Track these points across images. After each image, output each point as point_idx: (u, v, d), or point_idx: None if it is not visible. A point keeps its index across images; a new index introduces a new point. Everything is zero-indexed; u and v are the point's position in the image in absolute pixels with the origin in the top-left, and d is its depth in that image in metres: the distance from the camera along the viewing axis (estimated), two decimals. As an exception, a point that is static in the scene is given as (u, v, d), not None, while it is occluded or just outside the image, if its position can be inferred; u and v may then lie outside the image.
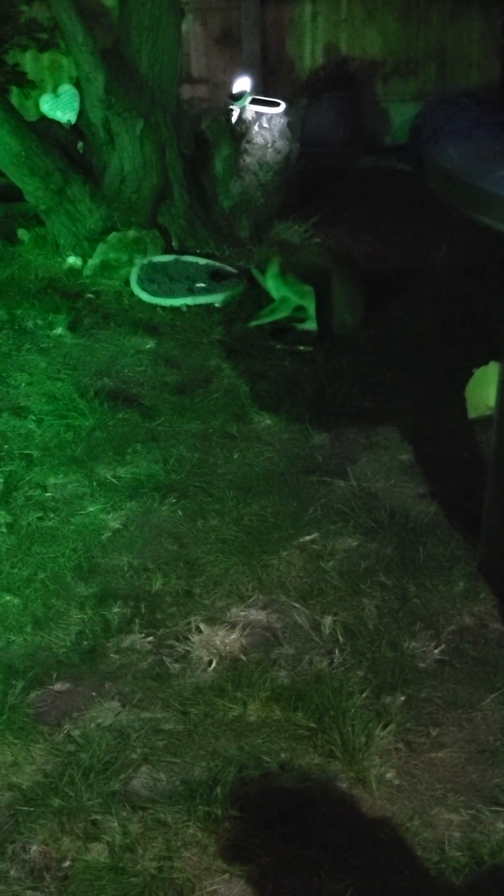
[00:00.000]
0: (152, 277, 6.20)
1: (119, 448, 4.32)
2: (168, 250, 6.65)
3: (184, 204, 6.90)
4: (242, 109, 7.03)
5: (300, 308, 5.61)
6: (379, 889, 2.34)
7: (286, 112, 7.18)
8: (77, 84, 6.91)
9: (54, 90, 8.23)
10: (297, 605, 3.31)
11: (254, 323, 5.66)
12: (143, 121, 6.59)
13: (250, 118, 7.02)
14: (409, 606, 3.29)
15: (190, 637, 3.17)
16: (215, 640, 3.15)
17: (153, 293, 6.08)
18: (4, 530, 3.77)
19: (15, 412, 4.67)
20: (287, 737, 2.77)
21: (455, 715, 2.84)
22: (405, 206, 7.80)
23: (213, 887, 2.35)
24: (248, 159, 7.00)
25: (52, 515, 3.87)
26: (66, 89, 7.48)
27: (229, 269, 6.36)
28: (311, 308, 5.53)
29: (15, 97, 8.22)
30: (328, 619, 3.22)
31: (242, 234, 6.98)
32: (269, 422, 4.55)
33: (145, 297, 6.08)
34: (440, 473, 4.07)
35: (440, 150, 8.16)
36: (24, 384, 5.00)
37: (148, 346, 5.46)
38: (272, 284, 5.66)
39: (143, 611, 3.30)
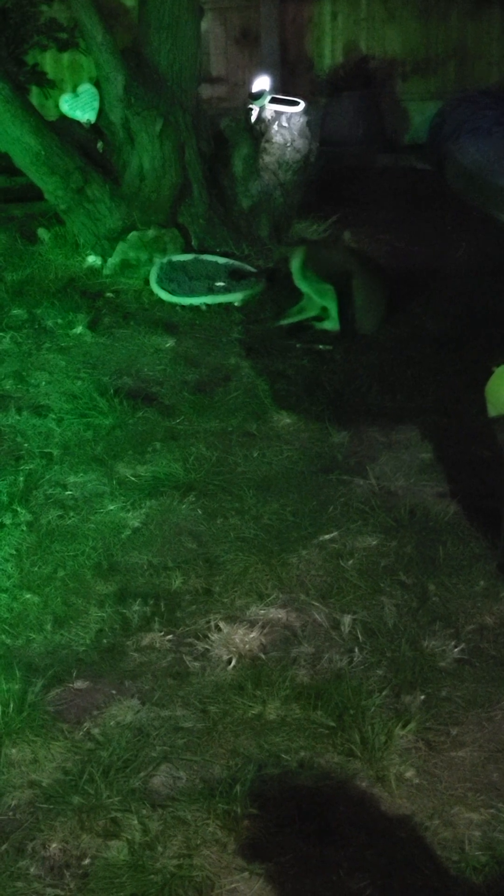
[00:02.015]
0: (172, 276, 6.21)
1: (139, 447, 4.33)
2: (187, 249, 6.65)
3: (203, 203, 6.90)
4: (262, 108, 7.02)
5: (322, 307, 5.60)
6: (398, 888, 2.33)
7: (305, 111, 7.16)
8: (97, 83, 6.92)
9: (74, 90, 8.24)
10: (316, 603, 3.31)
11: (283, 322, 5.66)
12: (162, 120, 6.60)
13: (270, 117, 7.00)
14: (429, 605, 3.28)
15: (209, 635, 3.17)
16: (235, 639, 3.15)
17: (173, 292, 6.08)
18: (25, 528, 3.78)
19: (35, 411, 4.68)
20: (307, 735, 2.77)
21: (475, 714, 2.83)
22: (425, 204, 7.78)
23: (233, 885, 2.35)
24: (267, 158, 6.99)
25: (72, 514, 3.88)
26: (86, 89, 7.49)
27: (249, 268, 6.35)
28: (332, 307, 5.52)
29: (35, 97, 8.23)
30: (348, 618, 3.22)
31: (262, 233, 6.97)
32: (288, 420, 4.55)
33: (165, 296, 6.08)
34: (460, 472, 4.06)
35: (461, 149, 8.14)
36: (44, 383, 5.02)
37: (167, 345, 5.47)
38: (297, 281, 5.65)
39: (162, 609, 3.30)
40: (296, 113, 7.08)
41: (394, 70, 9.85)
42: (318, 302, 5.58)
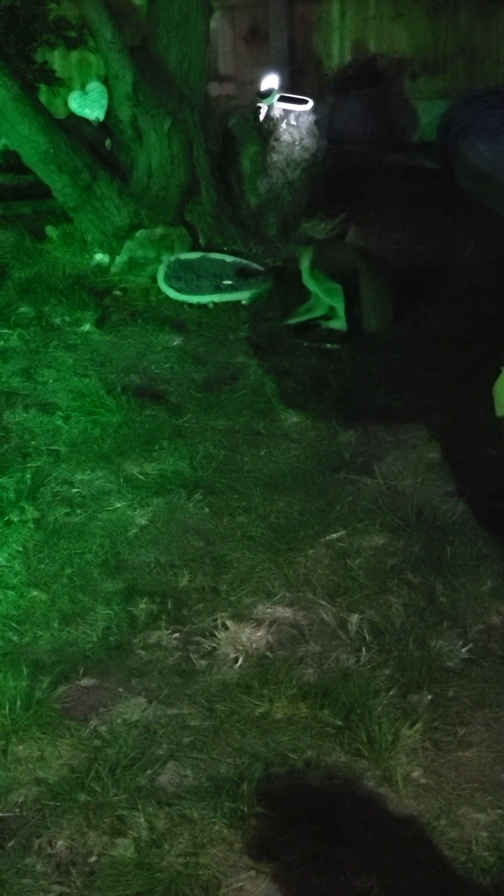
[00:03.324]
0: (179, 275, 6.21)
1: (146, 444, 4.33)
2: (195, 248, 6.64)
3: (211, 201, 6.90)
4: (270, 107, 7.01)
5: (330, 307, 5.59)
6: (405, 888, 2.33)
7: (314, 109, 7.15)
8: (105, 82, 6.93)
9: (83, 88, 8.27)
10: (323, 602, 3.30)
11: (291, 321, 5.65)
12: (170, 118, 6.60)
13: (278, 116, 7.00)
14: (436, 605, 3.28)
15: (216, 634, 3.17)
16: (242, 637, 3.15)
17: (180, 290, 6.08)
18: (32, 526, 3.78)
19: (42, 408, 4.68)
20: (313, 734, 2.77)
21: (482, 714, 2.83)
22: (433, 203, 7.76)
23: (239, 884, 2.35)
24: (275, 157, 6.99)
25: (79, 511, 3.88)
26: (95, 87, 7.51)
27: (256, 266, 6.35)
28: (339, 307, 5.51)
29: (43, 95, 8.22)
30: (355, 617, 3.22)
31: (269, 231, 6.97)
32: (295, 419, 4.54)
33: (172, 294, 6.08)
34: (467, 472, 4.05)
35: (469, 147, 8.11)
36: (51, 380, 5.02)
37: (175, 343, 5.47)
38: (306, 279, 5.64)
39: (169, 607, 3.30)
40: (304, 111, 7.07)
41: (402, 69, 9.83)
42: (325, 301, 5.58)
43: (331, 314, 5.58)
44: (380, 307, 5.52)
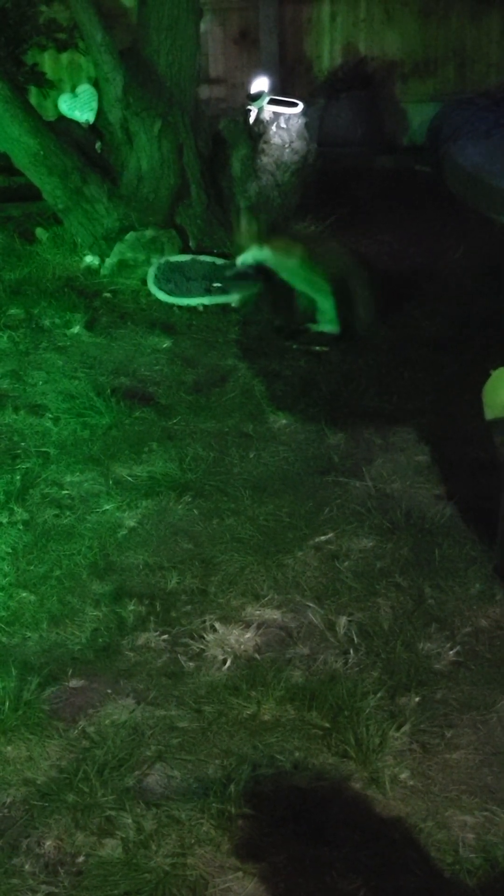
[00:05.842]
0: (169, 277, 6.21)
1: (135, 447, 4.33)
2: (185, 250, 6.65)
3: (201, 204, 6.91)
4: (260, 109, 7.02)
5: (316, 308, 5.59)
6: (392, 890, 2.34)
7: (304, 112, 7.17)
8: (95, 84, 6.92)
9: (73, 90, 8.25)
10: (311, 604, 3.31)
11: (279, 323, 5.64)
12: (160, 121, 6.60)
13: (268, 118, 7.01)
14: (425, 607, 3.29)
15: (205, 635, 3.18)
16: (230, 639, 3.15)
17: (170, 293, 6.09)
18: (21, 527, 3.79)
19: (32, 410, 4.68)
20: (301, 736, 2.78)
21: (470, 717, 2.84)
22: (423, 206, 7.78)
23: (226, 885, 2.36)
24: (265, 159, 6.99)
25: (68, 513, 3.88)
26: (85, 89, 7.50)
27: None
28: (328, 308, 5.51)
29: (34, 97, 8.23)
30: (343, 620, 3.22)
31: (259, 234, 6.97)
32: (284, 421, 4.55)
33: (162, 296, 6.09)
34: (456, 475, 4.07)
35: (459, 150, 8.14)
36: (41, 382, 5.02)
37: (164, 346, 5.47)
38: (292, 278, 5.62)
39: (158, 609, 3.31)
40: (294, 114, 7.08)
41: (393, 71, 9.85)
42: (313, 302, 5.57)
43: (318, 316, 5.58)
44: (367, 309, 5.52)
